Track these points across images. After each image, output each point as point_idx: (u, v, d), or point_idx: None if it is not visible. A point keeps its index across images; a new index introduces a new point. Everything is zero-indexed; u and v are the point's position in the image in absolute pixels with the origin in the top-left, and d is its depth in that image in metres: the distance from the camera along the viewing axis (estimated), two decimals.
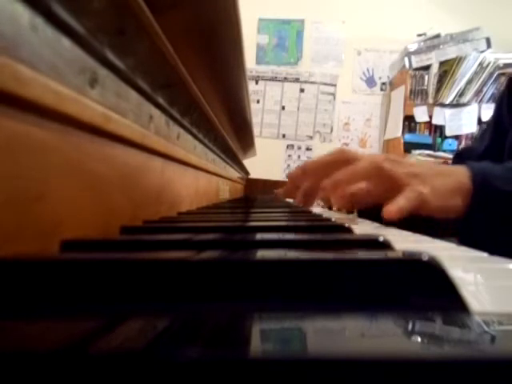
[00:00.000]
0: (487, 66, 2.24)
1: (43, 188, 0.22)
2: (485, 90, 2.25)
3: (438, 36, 2.32)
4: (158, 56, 0.37)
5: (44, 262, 0.17)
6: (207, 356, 0.09)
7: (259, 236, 0.29)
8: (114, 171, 0.33)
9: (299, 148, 2.70)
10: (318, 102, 2.70)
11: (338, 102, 2.69)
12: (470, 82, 2.26)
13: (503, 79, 2.18)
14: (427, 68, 2.32)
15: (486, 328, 0.12)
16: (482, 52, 2.26)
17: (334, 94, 2.69)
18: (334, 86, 2.69)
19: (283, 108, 2.71)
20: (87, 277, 0.16)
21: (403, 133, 2.37)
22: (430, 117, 2.33)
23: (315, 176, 0.53)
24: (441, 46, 2.30)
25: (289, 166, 2.69)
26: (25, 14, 0.20)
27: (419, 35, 2.38)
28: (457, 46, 2.28)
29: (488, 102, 2.24)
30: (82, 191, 0.27)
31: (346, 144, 2.68)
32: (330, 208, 0.89)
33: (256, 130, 2.14)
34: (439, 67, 2.30)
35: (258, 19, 2.67)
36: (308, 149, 2.70)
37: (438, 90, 2.31)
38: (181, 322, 0.12)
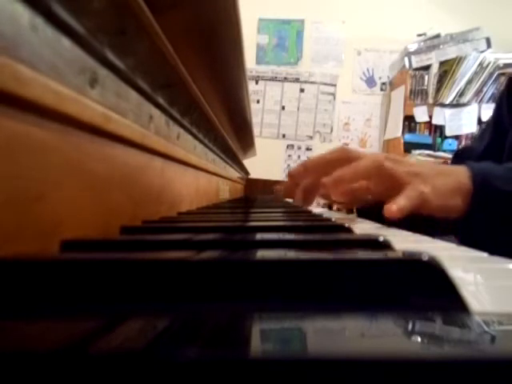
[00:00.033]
0: (487, 66, 2.24)
1: (43, 188, 0.22)
2: (485, 90, 2.25)
3: (438, 36, 2.32)
4: (158, 56, 0.37)
5: (44, 262, 0.17)
6: (207, 356, 0.09)
7: (259, 236, 0.29)
8: (114, 171, 0.33)
9: (299, 148, 2.71)
10: (317, 102, 2.70)
11: (338, 102, 2.69)
12: (470, 81, 2.26)
13: (503, 79, 2.18)
14: (427, 68, 2.32)
15: (486, 328, 0.12)
16: (482, 52, 2.26)
17: (333, 94, 2.69)
18: (334, 86, 2.69)
19: (283, 108, 2.71)
20: (87, 277, 0.16)
21: (403, 133, 2.37)
22: (430, 117, 2.33)
23: (316, 173, 0.53)
24: (441, 46, 2.30)
25: (289, 165, 2.69)
26: (25, 14, 0.20)
27: (419, 35, 2.38)
28: (457, 45, 2.28)
29: (488, 101, 2.24)
30: (82, 191, 0.27)
31: (346, 144, 2.68)
32: (330, 208, 0.89)
33: (256, 130, 2.14)
34: (439, 67, 2.30)
35: (258, 19, 2.67)
36: (308, 149, 2.70)
37: (438, 90, 2.31)
38: (181, 322, 0.12)
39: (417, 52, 2.32)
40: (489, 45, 2.28)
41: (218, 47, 0.56)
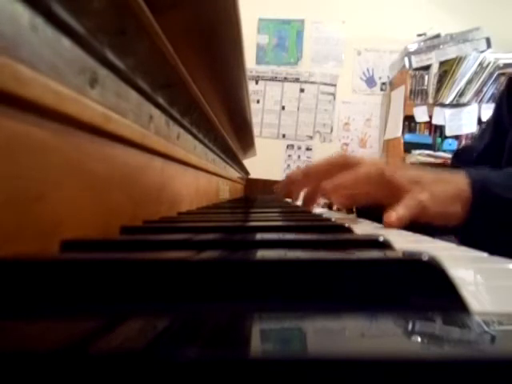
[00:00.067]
0: (487, 66, 2.24)
1: (43, 188, 0.22)
2: (485, 90, 2.25)
3: (438, 36, 2.32)
4: (158, 56, 0.37)
5: (44, 262, 0.17)
6: (207, 356, 0.09)
7: (259, 236, 0.29)
8: (114, 171, 0.33)
9: (299, 148, 2.70)
10: (318, 102, 2.70)
11: (338, 102, 2.69)
12: (470, 81, 2.26)
13: (503, 79, 2.18)
14: (427, 68, 2.32)
15: (486, 328, 0.12)
16: (482, 52, 2.26)
17: (334, 94, 2.69)
18: (334, 86, 2.69)
19: (283, 108, 2.71)
20: (87, 277, 0.16)
21: (403, 133, 2.37)
22: (430, 117, 2.33)
23: (316, 180, 0.53)
24: (441, 46, 2.30)
25: (289, 166, 2.69)
26: (25, 14, 0.20)
27: (419, 35, 2.38)
28: (457, 45, 2.28)
29: (488, 101, 2.24)
30: (82, 191, 0.27)
31: (346, 144, 2.68)
32: (330, 208, 0.89)
33: (256, 130, 2.14)
34: (439, 67, 2.30)
35: (258, 19, 2.67)
36: (308, 149, 2.70)
37: (438, 90, 2.31)
38: (181, 322, 0.12)
39: (417, 52, 2.32)
40: (489, 45, 2.28)
41: (218, 47, 0.56)
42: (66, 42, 0.24)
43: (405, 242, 0.32)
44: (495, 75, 2.23)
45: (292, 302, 0.15)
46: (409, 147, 2.31)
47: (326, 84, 2.69)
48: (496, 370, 0.09)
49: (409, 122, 2.37)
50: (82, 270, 0.16)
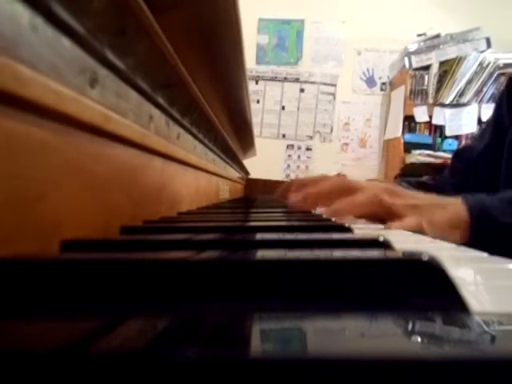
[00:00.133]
0: (487, 66, 2.24)
1: (43, 188, 0.22)
2: (485, 90, 2.25)
3: (438, 36, 2.32)
4: (158, 56, 0.37)
5: (44, 262, 0.17)
6: (207, 356, 0.09)
7: (259, 236, 0.29)
8: (114, 171, 0.33)
9: (299, 148, 2.70)
10: (318, 102, 2.70)
11: (338, 102, 2.69)
12: (470, 81, 2.26)
13: (503, 79, 2.18)
14: (427, 68, 2.32)
15: (486, 328, 0.12)
16: (482, 52, 2.26)
17: (334, 94, 2.69)
18: (334, 86, 2.69)
19: (283, 108, 2.71)
20: (87, 277, 0.16)
21: (403, 133, 2.37)
22: (430, 117, 2.33)
23: (315, 205, 0.55)
24: (441, 46, 2.30)
25: (289, 166, 2.69)
26: (25, 14, 0.20)
27: (419, 35, 2.38)
28: (457, 46, 2.28)
29: (488, 101, 2.24)
30: (82, 191, 0.27)
31: (346, 144, 2.68)
32: None
33: (256, 130, 2.14)
34: (439, 67, 2.30)
35: (258, 19, 2.67)
36: (308, 149, 2.70)
37: (438, 90, 2.31)
38: (181, 321, 0.12)
39: (417, 52, 2.32)
40: (489, 45, 2.28)
41: (218, 47, 0.56)
42: (65, 42, 0.24)
43: (405, 242, 0.32)
44: (495, 75, 2.23)
45: (292, 301, 0.15)
46: (409, 147, 2.31)
47: (325, 84, 2.69)
48: (496, 370, 0.09)
49: (409, 121, 2.37)
50: (82, 270, 0.16)
